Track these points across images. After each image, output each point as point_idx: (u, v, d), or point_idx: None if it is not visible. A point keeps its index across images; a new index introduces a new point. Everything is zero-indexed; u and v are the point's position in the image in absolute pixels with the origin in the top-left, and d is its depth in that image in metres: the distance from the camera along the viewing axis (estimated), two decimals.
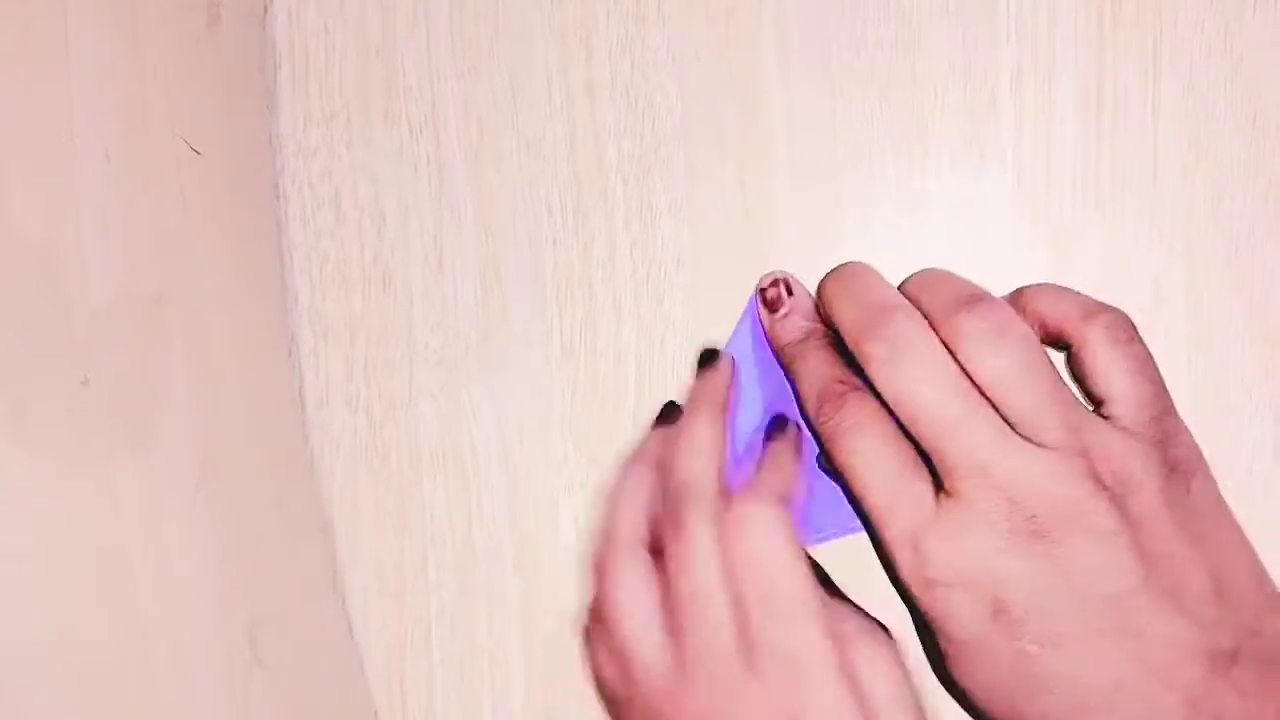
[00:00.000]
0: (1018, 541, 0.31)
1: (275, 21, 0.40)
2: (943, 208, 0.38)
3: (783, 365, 0.37)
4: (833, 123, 0.38)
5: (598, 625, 0.36)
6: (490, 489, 0.41)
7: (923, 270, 0.36)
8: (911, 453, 0.33)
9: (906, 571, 0.33)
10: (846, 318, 0.35)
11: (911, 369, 0.32)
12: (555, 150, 0.39)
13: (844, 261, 0.37)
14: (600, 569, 0.36)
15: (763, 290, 0.38)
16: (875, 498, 0.33)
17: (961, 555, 0.32)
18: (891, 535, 0.33)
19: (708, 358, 0.38)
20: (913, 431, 0.33)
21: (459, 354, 0.40)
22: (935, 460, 0.33)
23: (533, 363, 0.40)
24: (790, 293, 0.37)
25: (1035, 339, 0.33)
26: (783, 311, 0.37)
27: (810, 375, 0.35)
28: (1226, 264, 0.37)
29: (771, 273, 0.38)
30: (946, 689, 0.35)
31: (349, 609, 0.41)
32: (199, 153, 0.36)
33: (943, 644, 0.33)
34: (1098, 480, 0.31)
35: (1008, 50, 0.37)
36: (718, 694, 0.32)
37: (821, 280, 0.37)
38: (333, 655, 0.41)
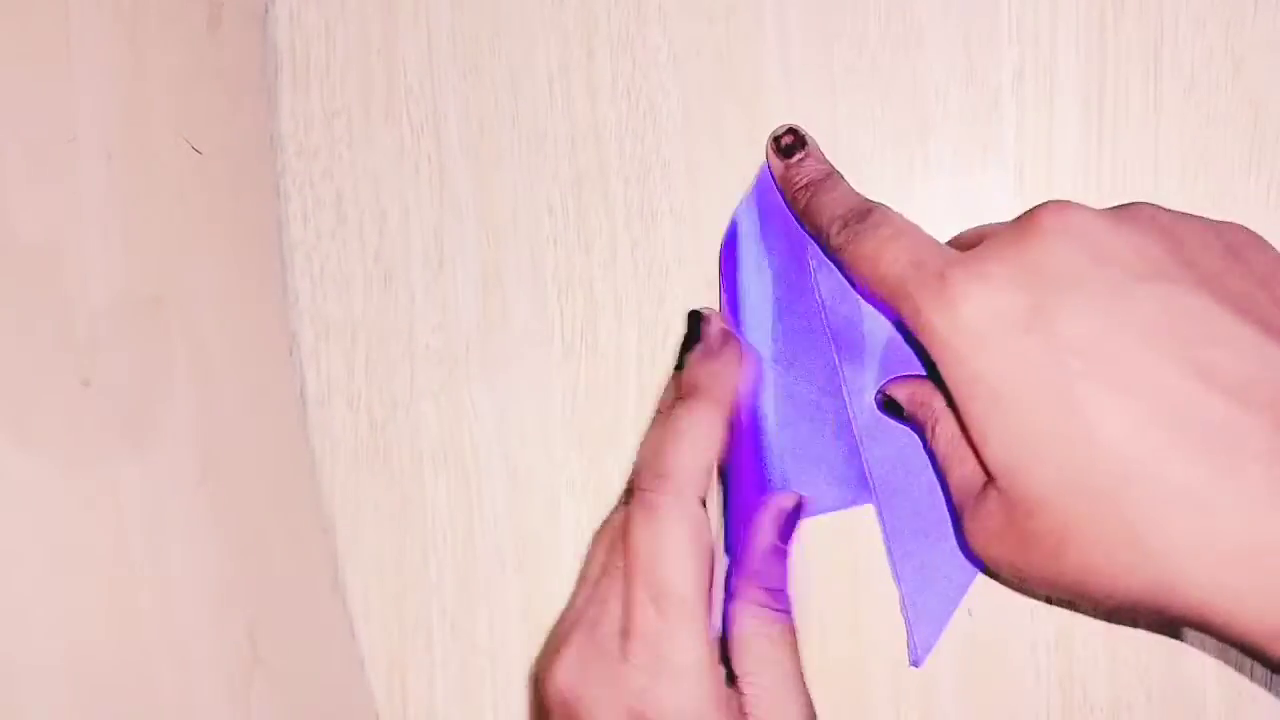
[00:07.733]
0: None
1: (276, 21, 0.40)
2: (944, 207, 0.38)
3: (798, 209, 0.36)
4: (833, 122, 0.38)
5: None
6: (491, 489, 0.41)
7: None
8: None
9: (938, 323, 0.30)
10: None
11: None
12: (556, 150, 0.39)
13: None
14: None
15: (777, 138, 0.36)
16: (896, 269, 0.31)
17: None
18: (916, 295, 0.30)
19: (695, 322, 0.37)
20: None
21: (460, 353, 0.40)
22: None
23: (534, 363, 0.40)
24: (805, 141, 0.36)
25: None
26: (799, 156, 0.36)
27: (837, 201, 0.34)
28: None
29: (784, 124, 0.37)
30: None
31: (350, 609, 0.41)
32: (200, 153, 0.36)
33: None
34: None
35: (1009, 50, 0.37)
36: (592, 673, 0.33)
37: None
38: (333, 655, 0.41)
